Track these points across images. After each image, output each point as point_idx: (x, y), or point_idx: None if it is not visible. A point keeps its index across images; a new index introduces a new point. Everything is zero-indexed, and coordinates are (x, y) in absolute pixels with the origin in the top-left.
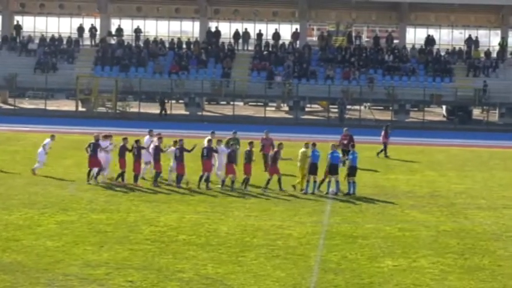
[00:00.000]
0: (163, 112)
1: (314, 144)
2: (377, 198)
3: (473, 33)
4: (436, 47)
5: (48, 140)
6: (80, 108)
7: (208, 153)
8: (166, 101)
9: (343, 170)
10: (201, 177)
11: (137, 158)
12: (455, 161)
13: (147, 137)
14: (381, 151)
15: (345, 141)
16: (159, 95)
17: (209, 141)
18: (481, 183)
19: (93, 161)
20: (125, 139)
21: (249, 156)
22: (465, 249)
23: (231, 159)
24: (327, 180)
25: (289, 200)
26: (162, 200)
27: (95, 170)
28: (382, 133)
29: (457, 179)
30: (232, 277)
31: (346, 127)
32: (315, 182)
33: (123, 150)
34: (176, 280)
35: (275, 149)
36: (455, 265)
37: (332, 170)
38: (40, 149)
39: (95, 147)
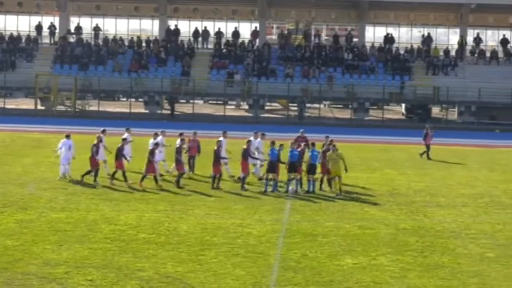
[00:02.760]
0: (173, 112)
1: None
2: (337, 196)
3: (432, 31)
4: (395, 45)
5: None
6: (39, 107)
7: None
8: (175, 101)
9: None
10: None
11: (150, 159)
12: (414, 159)
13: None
14: (423, 152)
15: (302, 144)
16: (168, 94)
17: (248, 142)
18: (440, 182)
19: (95, 161)
20: (123, 140)
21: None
22: (424, 247)
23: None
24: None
25: (249, 199)
26: (122, 199)
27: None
28: (423, 136)
29: (417, 177)
30: (192, 276)
31: (302, 129)
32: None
33: (121, 151)
34: (136, 279)
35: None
36: (415, 263)
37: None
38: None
39: (98, 148)
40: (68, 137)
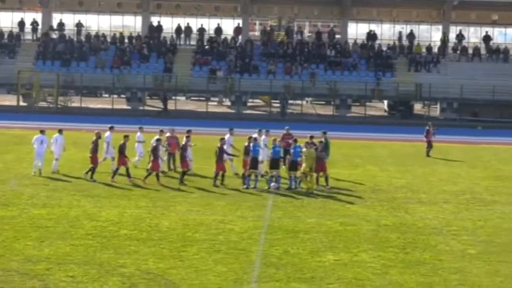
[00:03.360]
0: (165, 109)
1: (295, 140)
2: (318, 192)
3: (415, 28)
4: (377, 42)
5: (108, 133)
6: (21, 103)
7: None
8: (168, 97)
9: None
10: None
11: (155, 156)
12: (396, 155)
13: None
14: (428, 150)
15: (290, 141)
16: (155, 90)
17: (222, 139)
18: (422, 178)
19: (95, 158)
20: (125, 137)
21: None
22: (406, 244)
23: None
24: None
25: (231, 195)
26: (103, 195)
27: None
28: (425, 132)
29: (398, 174)
30: (173, 272)
31: (287, 126)
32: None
33: (123, 148)
34: (117, 275)
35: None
36: (396, 259)
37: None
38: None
39: (96, 145)
40: (42, 132)
